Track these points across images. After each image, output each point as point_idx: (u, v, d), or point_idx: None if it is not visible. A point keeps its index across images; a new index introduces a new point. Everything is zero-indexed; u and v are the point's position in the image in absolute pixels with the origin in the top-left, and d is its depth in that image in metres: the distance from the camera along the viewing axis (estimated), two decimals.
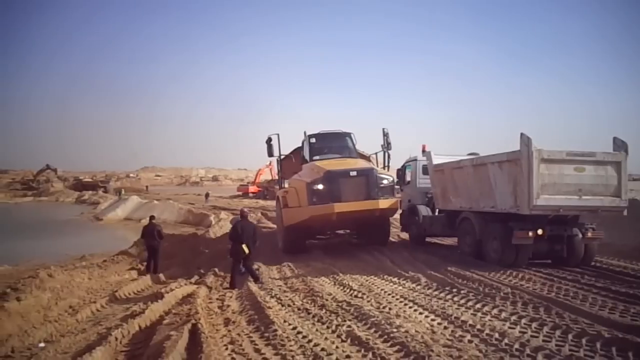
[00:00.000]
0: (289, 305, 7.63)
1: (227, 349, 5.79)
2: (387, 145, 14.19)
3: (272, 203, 39.25)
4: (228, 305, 8.09)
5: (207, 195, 49.80)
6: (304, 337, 5.94)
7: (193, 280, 10.80)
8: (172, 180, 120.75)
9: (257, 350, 5.61)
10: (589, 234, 10.06)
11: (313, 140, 14.31)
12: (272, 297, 8.29)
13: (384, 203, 12.32)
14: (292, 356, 5.20)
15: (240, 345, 5.89)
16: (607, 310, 6.80)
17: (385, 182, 12.74)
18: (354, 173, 12.41)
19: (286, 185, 14.33)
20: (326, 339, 5.84)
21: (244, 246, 9.63)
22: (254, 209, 32.58)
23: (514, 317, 6.43)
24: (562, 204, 9.51)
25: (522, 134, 9.45)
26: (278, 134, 13.87)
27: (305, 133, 14.82)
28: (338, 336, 5.94)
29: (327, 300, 7.70)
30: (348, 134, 14.80)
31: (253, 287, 9.16)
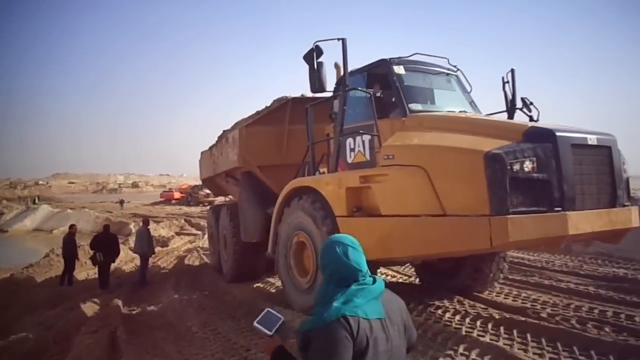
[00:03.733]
0: (208, 309, 7.76)
1: (148, 353, 5.86)
2: (526, 105, 6.30)
3: (195, 209, 38.64)
4: (147, 313, 8.07)
5: (121, 202, 48.04)
6: (224, 336, 6.16)
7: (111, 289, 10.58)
8: (88, 188, 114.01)
9: (179, 352, 5.74)
10: None
11: (400, 70, 6.11)
12: (192, 302, 8.36)
13: (636, 215, 5.31)
14: (213, 354, 5.40)
15: (162, 349, 5.99)
16: (502, 296, 7.58)
17: (626, 167, 5.52)
18: (592, 139, 4.92)
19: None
20: (246, 336, 6.08)
21: (99, 254, 10.81)
22: (177, 216, 31.84)
23: (419, 307, 6.98)
24: None
25: None
26: (344, 39, 5.58)
27: (340, 64, 6.26)
28: (256, 334, 6.18)
29: (246, 302, 7.90)
30: (454, 73, 6.79)
31: (173, 294, 9.18)
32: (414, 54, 6.37)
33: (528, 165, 4.48)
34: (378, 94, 5.81)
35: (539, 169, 4.46)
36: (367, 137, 5.73)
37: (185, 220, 28.59)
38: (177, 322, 7.06)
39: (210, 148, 11.54)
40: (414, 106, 5.86)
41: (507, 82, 6.58)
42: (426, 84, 6.40)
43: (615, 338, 5.05)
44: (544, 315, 6.05)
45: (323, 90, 5.69)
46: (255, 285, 9.32)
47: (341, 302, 1.73)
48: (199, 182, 50.19)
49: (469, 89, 6.84)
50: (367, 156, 5.73)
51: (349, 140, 5.92)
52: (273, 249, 7.02)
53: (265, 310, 2.02)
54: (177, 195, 53.59)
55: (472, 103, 6.63)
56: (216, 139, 10.98)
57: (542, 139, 4.63)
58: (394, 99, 5.88)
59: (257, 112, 8.89)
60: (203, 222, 25.73)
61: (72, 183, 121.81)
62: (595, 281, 7.73)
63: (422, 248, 5.01)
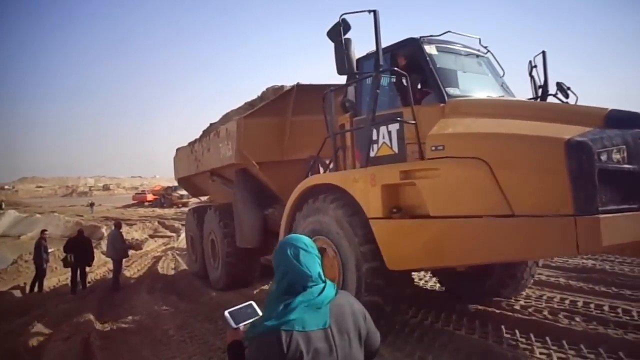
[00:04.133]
0: (185, 312, 7.67)
1: (123, 358, 5.78)
2: (562, 90, 5.81)
3: (169, 211, 38.08)
4: (122, 317, 7.93)
5: (91, 204, 47.09)
6: (201, 339, 6.11)
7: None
8: (57, 191, 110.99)
9: (155, 356, 5.67)
10: None
11: (432, 50, 5.29)
12: (168, 306, 8.25)
13: None
14: (190, 357, 5.36)
15: (138, 353, 5.91)
16: None
17: None
18: None
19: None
20: (224, 338, 6.02)
21: (68, 256, 10.95)
22: (150, 218, 31.34)
23: None
24: None
25: None
26: (375, 11, 4.57)
27: (362, 46, 5.46)
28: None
29: (224, 304, 7.83)
30: (484, 55, 5.95)
31: (147, 297, 9.04)
32: (446, 33, 5.51)
33: (617, 155, 3.73)
34: (403, 79, 4.93)
35: (630, 159, 3.73)
36: (393, 127, 4.97)
37: (158, 222, 28.19)
38: (152, 325, 6.97)
39: (191, 144, 10.60)
40: (452, 91, 5.04)
41: (535, 66, 5.97)
42: (458, 66, 5.55)
43: (586, 327, 5.21)
44: (517, 307, 6.19)
45: (352, 71, 4.92)
46: (237, 292, 9.01)
47: (278, 313, 1.66)
48: (173, 184, 49.58)
49: (500, 73, 5.99)
50: (395, 149, 4.95)
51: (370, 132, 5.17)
52: None
53: (247, 303, 1.94)
54: (150, 197, 52.76)
55: (505, 87, 5.74)
56: (200, 133, 10.11)
57: (628, 124, 3.93)
58: (426, 83, 5.15)
59: (249, 104, 8.38)
60: (177, 224, 25.43)
61: (40, 187, 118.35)
62: (566, 273, 7.95)
63: (483, 255, 4.26)
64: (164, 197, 47.61)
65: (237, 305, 1.94)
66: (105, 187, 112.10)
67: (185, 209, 37.44)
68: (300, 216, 5.77)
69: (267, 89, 8.09)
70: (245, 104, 8.54)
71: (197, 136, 10.40)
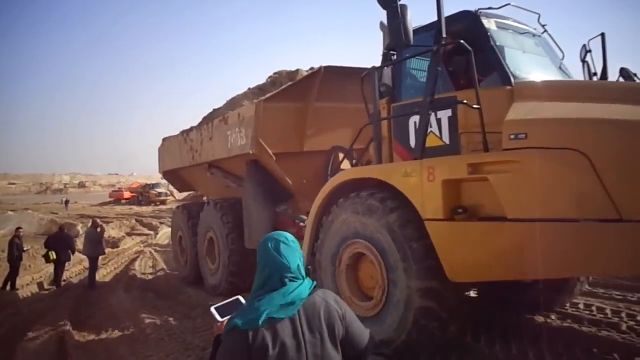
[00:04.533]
0: (162, 310, 7.59)
1: (99, 356, 5.69)
2: (628, 77, 5.08)
3: (147, 209, 37.55)
4: (98, 315, 7.83)
5: (66, 202, 46.12)
6: (179, 337, 6.06)
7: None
8: (30, 188, 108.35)
9: (133, 354, 5.60)
10: None
11: (491, 25, 4.52)
12: (145, 304, 8.15)
13: None
14: (167, 355, 5.31)
15: (115, 351, 5.83)
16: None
17: None
18: None
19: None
20: (202, 336, 5.99)
21: (51, 253, 11.04)
22: (127, 216, 30.87)
23: None
24: None
25: None
26: None
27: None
28: (212, 334, 6.11)
29: (202, 302, 7.74)
30: (540, 35, 5.16)
31: (124, 295, 8.92)
32: (505, 5, 4.74)
33: None
34: (463, 57, 4.13)
35: None
36: (444, 115, 4.25)
37: (136, 220, 27.76)
38: (129, 323, 6.87)
39: (185, 132, 9.25)
40: (517, 72, 4.25)
41: (589, 50, 5.27)
42: (517, 45, 4.73)
43: (560, 324, 5.32)
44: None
45: (409, 43, 4.09)
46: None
47: (250, 309, 1.67)
48: (150, 181, 48.79)
49: (560, 55, 5.19)
50: (445, 139, 4.25)
51: (414, 120, 4.43)
52: (309, 261, 5.39)
53: (235, 297, 1.94)
54: (127, 194, 51.94)
55: (565, 71, 4.93)
56: (201, 119, 8.99)
57: None
58: (483, 63, 4.20)
59: (258, 88, 7.71)
60: (155, 222, 25.12)
61: (13, 183, 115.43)
62: None
63: (577, 267, 3.57)
64: (141, 195, 46.99)
65: (220, 301, 1.94)
66: (81, 185, 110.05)
67: (164, 207, 37.14)
68: (329, 218, 5.02)
69: (280, 73, 7.63)
70: (251, 88, 7.93)
71: (174, 132, 9.62)
